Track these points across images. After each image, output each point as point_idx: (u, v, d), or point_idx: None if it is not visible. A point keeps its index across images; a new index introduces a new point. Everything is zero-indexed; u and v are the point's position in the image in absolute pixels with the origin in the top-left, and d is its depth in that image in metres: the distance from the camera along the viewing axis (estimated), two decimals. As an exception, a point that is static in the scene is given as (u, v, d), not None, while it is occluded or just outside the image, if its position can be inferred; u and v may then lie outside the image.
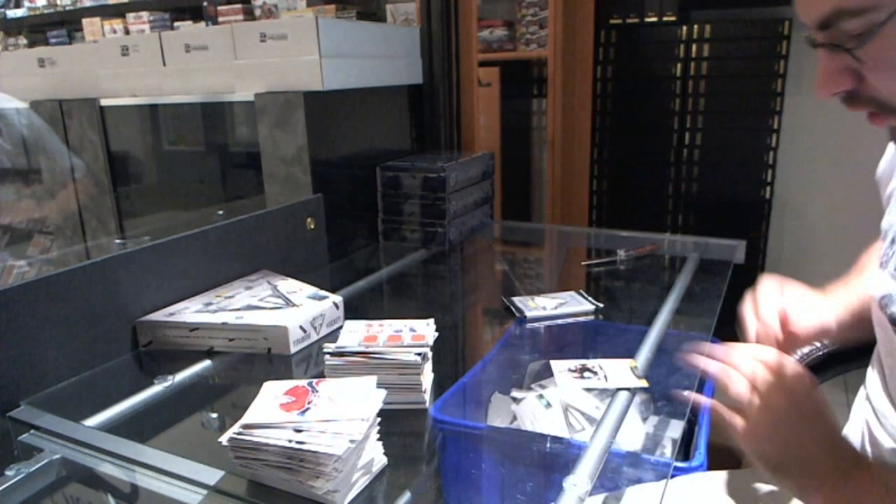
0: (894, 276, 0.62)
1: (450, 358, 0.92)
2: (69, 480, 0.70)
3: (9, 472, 0.66)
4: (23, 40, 3.12)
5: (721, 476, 0.85)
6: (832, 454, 0.59)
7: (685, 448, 1.02)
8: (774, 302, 0.78)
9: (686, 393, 0.71)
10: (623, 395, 0.76)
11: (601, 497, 0.77)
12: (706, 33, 2.17)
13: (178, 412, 0.83)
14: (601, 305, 1.09)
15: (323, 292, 1.05)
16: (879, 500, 0.56)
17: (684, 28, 2.20)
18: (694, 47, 2.19)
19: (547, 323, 1.07)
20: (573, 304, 1.09)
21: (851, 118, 0.62)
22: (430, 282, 1.40)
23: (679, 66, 2.22)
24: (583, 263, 1.43)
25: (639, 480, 0.75)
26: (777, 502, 0.79)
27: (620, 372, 0.81)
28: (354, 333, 0.82)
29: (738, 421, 0.62)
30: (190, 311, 0.97)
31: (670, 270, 1.37)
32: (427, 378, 0.79)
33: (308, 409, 0.61)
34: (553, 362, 0.82)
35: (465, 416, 0.86)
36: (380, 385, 0.67)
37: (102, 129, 1.73)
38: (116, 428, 0.76)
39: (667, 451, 1.00)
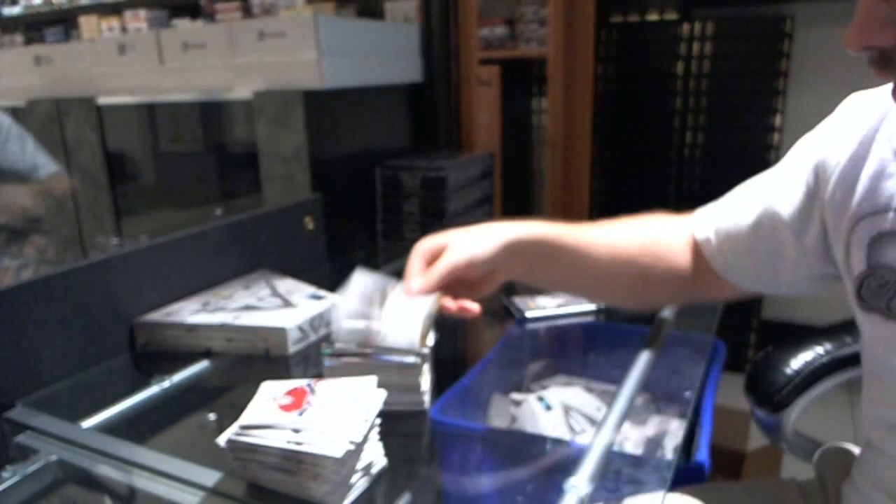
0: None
1: (449, 359, 0.92)
2: (65, 482, 0.69)
3: (4, 474, 0.66)
4: (19, 38, 3.12)
5: (720, 488, 0.84)
6: None
7: (687, 449, 1.01)
8: (428, 245, 0.68)
9: None
10: (624, 397, 0.75)
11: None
12: (708, 31, 2.16)
13: (176, 413, 0.83)
14: (602, 306, 1.09)
15: (322, 292, 1.04)
16: None
17: (686, 26, 2.19)
18: (695, 45, 2.19)
19: (547, 323, 1.07)
20: (574, 305, 1.08)
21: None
22: (430, 281, 1.39)
23: (680, 64, 2.22)
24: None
25: (640, 482, 0.75)
26: None
27: None
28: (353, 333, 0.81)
29: None
30: (188, 312, 0.97)
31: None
32: (426, 379, 0.78)
33: (306, 409, 0.61)
34: None
35: (465, 417, 0.85)
36: (379, 386, 0.67)
37: (99, 128, 1.73)
38: (113, 429, 0.76)
39: (668, 452, 1.00)
